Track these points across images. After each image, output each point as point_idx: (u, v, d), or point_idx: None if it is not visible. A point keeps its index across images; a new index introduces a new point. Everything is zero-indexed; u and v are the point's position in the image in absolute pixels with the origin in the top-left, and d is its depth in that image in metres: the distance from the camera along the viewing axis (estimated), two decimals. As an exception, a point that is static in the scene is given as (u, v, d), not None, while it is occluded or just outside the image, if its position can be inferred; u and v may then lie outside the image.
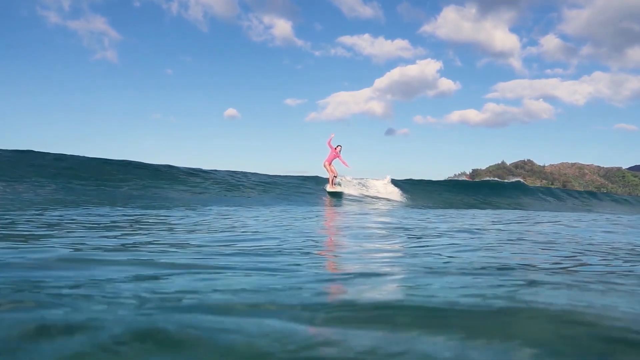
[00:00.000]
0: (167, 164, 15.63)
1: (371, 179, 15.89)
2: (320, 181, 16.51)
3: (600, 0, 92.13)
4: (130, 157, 15.63)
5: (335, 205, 12.51)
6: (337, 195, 14.44)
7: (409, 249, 3.59)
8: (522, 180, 20.52)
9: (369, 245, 3.68)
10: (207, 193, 12.70)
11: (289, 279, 2.19)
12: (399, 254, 3.34)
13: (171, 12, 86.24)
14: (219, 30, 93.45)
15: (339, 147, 14.52)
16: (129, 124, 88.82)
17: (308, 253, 3.27)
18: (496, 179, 19.64)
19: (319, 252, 3.41)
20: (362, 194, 15.13)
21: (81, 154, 14.74)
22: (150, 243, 3.39)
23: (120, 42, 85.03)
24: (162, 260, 2.54)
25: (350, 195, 14.69)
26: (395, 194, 15.52)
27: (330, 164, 14.64)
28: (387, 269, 2.60)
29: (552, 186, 24.35)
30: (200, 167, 16.18)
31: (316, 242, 4.01)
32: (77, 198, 9.15)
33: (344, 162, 14.47)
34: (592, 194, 23.56)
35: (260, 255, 2.94)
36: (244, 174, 16.84)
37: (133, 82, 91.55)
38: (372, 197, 15.07)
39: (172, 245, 3.33)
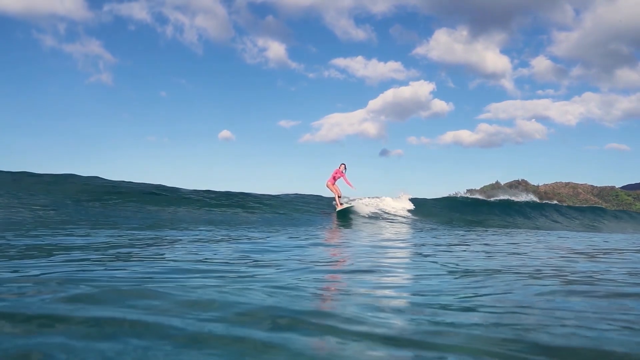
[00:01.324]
0: (160, 184, 15.12)
1: (388, 197, 15.10)
2: (323, 199, 15.79)
3: (589, 23, 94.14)
4: (124, 179, 14.89)
5: (345, 226, 11.72)
6: (346, 213, 13.61)
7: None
8: (534, 198, 19.93)
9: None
10: (199, 213, 11.96)
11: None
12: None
13: (166, 36, 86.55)
14: (213, 52, 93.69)
15: (342, 165, 13.80)
16: (124, 146, 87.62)
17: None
18: (509, 197, 18.92)
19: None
20: (377, 213, 14.32)
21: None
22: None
23: (115, 65, 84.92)
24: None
25: (363, 214, 13.86)
26: (411, 212, 14.76)
27: (333, 184, 13.87)
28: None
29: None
30: (196, 188, 15.57)
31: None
32: (71, 218, 8.71)
33: (348, 183, 13.70)
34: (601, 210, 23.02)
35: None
36: (241, 194, 16.05)
37: (128, 105, 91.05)
38: (387, 215, 14.27)
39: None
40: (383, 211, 14.53)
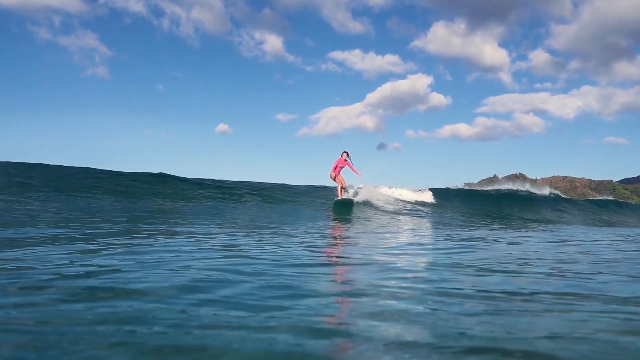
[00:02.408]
0: (160, 172, 14.22)
1: (405, 189, 14.07)
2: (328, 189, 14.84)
3: (587, 16, 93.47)
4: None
5: (358, 218, 10.76)
6: (347, 205, 12.58)
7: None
8: (558, 192, 18.94)
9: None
10: (199, 203, 11.19)
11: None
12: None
13: (162, 28, 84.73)
14: (210, 46, 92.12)
15: (345, 153, 12.77)
16: (120, 139, 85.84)
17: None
18: (528, 190, 17.91)
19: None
20: (393, 204, 13.28)
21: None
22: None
23: (111, 58, 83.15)
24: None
25: (379, 205, 12.83)
26: (429, 205, 13.73)
27: (338, 174, 12.78)
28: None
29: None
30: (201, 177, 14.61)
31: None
32: (65, 207, 8.32)
33: (355, 171, 12.69)
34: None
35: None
36: (241, 182, 15.10)
37: (124, 98, 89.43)
38: (405, 206, 13.24)
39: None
40: (401, 202, 13.53)
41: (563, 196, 20.13)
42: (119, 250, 3.60)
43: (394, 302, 2.20)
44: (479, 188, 17.94)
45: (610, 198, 23.34)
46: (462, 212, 14.29)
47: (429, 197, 14.35)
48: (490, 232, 8.00)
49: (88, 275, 2.57)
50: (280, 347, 1.52)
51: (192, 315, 1.86)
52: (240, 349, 1.49)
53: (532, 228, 9.93)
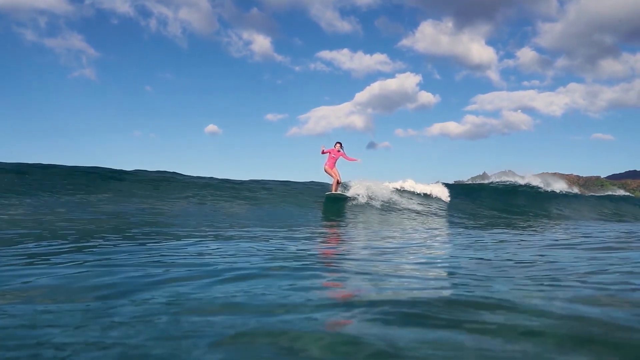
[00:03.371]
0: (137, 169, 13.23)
1: (410, 179, 12.89)
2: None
3: (573, 14, 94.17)
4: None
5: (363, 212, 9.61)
6: (340, 200, 11.50)
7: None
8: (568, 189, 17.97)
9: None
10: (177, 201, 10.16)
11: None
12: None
13: (149, 29, 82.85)
14: (198, 46, 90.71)
15: (338, 144, 11.73)
16: (109, 141, 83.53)
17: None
18: (538, 185, 16.84)
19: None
20: (395, 200, 12.03)
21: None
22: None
23: (99, 59, 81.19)
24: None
25: (378, 201, 11.63)
26: (438, 200, 12.48)
27: (333, 167, 11.52)
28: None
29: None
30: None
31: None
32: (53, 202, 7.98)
33: (351, 159, 11.78)
34: None
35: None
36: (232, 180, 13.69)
37: (112, 100, 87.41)
38: (407, 201, 11.96)
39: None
40: (405, 196, 12.30)
41: (574, 191, 19.17)
42: (91, 249, 3.55)
43: (371, 288, 2.36)
44: (487, 181, 16.84)
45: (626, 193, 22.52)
46: (472, 206, 13.14)
47: (439, 191, 13.10)
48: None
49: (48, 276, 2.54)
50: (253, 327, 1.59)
51: (164, 309, 1.85)
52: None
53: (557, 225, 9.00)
